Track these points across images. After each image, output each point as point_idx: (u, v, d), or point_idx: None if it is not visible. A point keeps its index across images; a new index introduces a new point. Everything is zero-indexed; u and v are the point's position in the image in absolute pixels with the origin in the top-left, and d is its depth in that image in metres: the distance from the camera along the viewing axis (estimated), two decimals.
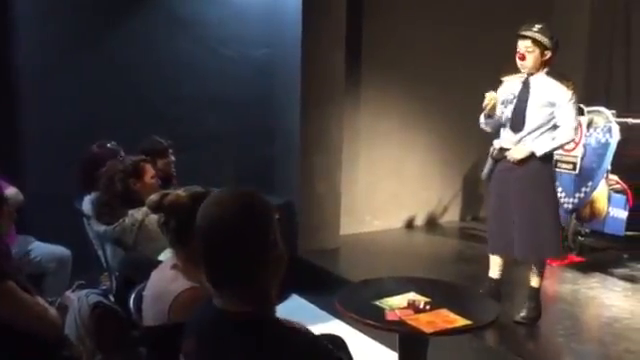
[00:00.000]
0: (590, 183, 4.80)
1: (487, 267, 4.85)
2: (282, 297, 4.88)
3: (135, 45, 4.83)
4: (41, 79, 4.56)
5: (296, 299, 4.56)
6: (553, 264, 4.82)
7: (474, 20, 6.10)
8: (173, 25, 4.96)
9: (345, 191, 5.45)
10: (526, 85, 3.56)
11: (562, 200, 5.01)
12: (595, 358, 3.39)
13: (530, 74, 3.53)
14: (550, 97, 3.47)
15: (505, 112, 3.62)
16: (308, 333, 1.42)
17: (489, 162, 3.68)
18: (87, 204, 3.49)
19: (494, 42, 6.23)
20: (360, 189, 5.80)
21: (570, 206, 4.95)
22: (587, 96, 6.37)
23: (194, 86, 5.03)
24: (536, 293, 3.67)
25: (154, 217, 2.30)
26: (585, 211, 4.93)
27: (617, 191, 4.99)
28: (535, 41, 3.44)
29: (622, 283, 4.46)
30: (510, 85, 3.70)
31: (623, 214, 4.90)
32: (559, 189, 5.01)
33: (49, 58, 4.57)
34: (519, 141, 3.53)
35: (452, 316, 2.43)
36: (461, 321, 2.40)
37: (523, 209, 3.51)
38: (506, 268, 3.75)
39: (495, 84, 6.48)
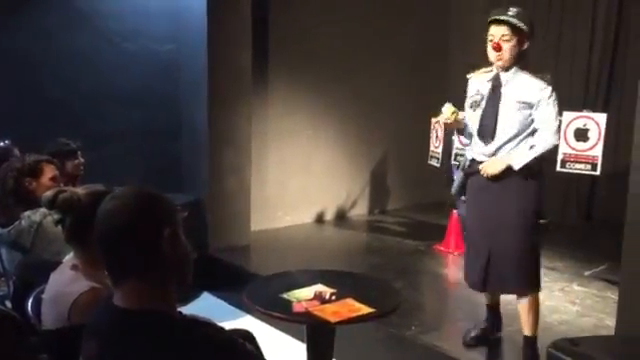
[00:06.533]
0: None
1: (393, 257, 5.05)
2: (193, 295, 4.82)
3: (30, 38, 4.60)
4: None
5: (207, 297, 4.54)
6: (455, 252, 5.09)
7: (379, 19, 6.30)
8: (71, 18, 4.77)
9: (256, 188, 5.47)
10: (496, 84, 2.99)
11: None
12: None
13: (504, 69, 2.97)
14: (526, 96, 2.90)
15: (472, 117, 3.07)
16: (212, 327, 1.43)
17: (459, 176, 3.25)
18: None
19: (398, 40, 6.48)
20: (270, 185, 5.84)
21: None
22: None
23: (96, 82, 4.87)
24: (533, 344, 3.07)
25: (52, 219, 2.22)
26: None
27: None
28: (513, 27, 2.87)
29: None
30: (477, 83, 3.10)
31: None
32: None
33: None
34: (494, 152, 3.00)
35: (357, 305, 2.51)
36: (365, 309, 2.48)
37: (499, 235, 2.98)
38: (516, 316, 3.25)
39: (399, 81, 6.74)
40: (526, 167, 2.92)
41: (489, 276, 3.05)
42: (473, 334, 3.35)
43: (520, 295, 3.09)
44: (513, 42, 2.89)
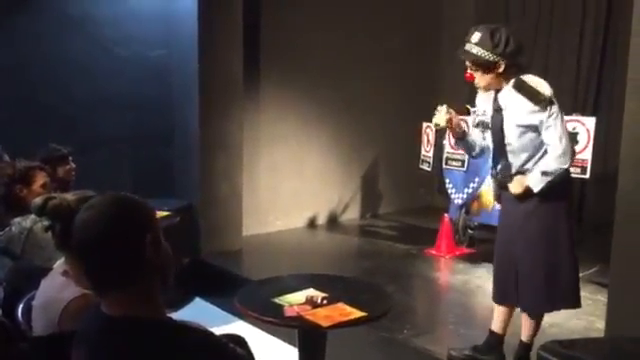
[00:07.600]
0: (477, 179, 5.11)
1: (385, 261, 5.06)
2: (185, 300, 4.80)
3: (22, 44, 4.60)
4: None
5: (199, 302, 4.53)
6: (446, 256, 5.12)
7: (370, 25, 6.33)
8: (63, 24, 4.78)
9: (247, 192, 5.48)
10: (497, 107, 2.85)
11: (452, 196, 5.32)
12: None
13: (496, 91, 2.85)
14: (524, 120, 2.75)
15: (486, 140, 2.97)
16: (201, 331, 1.42)
17: (493, 184, 3.12)
18: None
19: (389, 46, 6.51)
20: (262, 190, 5.85)
21: (460, 201, 5.26)
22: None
23: (88, 87, 4.87)
24: (527, 349, 3.05)
25: (42, 225, 2.22)
26: (473, 205, 5.26)
27: None
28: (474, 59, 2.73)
29: None
30: (484, 102, 2.95)
31: None
32: (449, 185, 5.32)
33: None
34: (517, 172, 2.87)
35: (348, 309, 2.51)
36: (356, 313, 2.48)
37: (527, 256, 2.90)
38: (513, 321, 3.16)
39: (390, 86, 6.77)
40: (545, 191, 2.79)
41: (520, 292, 2.96)
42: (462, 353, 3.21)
43: (531, 312, 3.03)
44: (482, 70, 2.76)
